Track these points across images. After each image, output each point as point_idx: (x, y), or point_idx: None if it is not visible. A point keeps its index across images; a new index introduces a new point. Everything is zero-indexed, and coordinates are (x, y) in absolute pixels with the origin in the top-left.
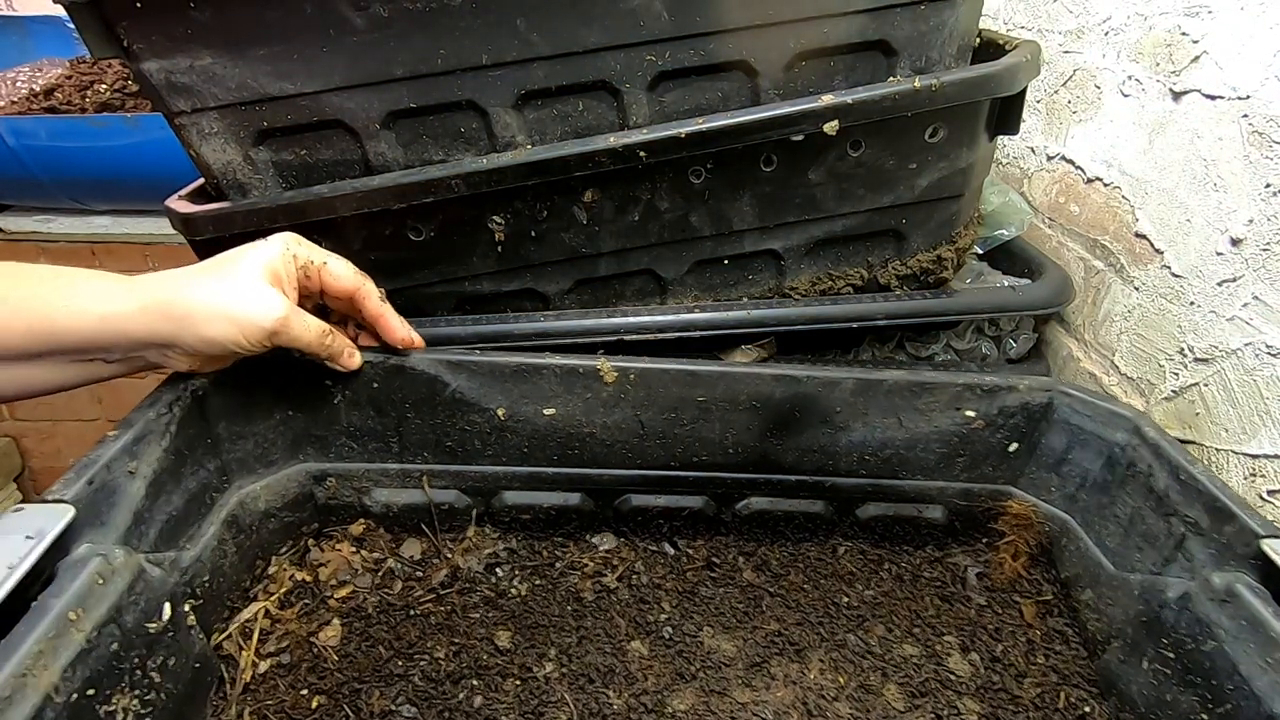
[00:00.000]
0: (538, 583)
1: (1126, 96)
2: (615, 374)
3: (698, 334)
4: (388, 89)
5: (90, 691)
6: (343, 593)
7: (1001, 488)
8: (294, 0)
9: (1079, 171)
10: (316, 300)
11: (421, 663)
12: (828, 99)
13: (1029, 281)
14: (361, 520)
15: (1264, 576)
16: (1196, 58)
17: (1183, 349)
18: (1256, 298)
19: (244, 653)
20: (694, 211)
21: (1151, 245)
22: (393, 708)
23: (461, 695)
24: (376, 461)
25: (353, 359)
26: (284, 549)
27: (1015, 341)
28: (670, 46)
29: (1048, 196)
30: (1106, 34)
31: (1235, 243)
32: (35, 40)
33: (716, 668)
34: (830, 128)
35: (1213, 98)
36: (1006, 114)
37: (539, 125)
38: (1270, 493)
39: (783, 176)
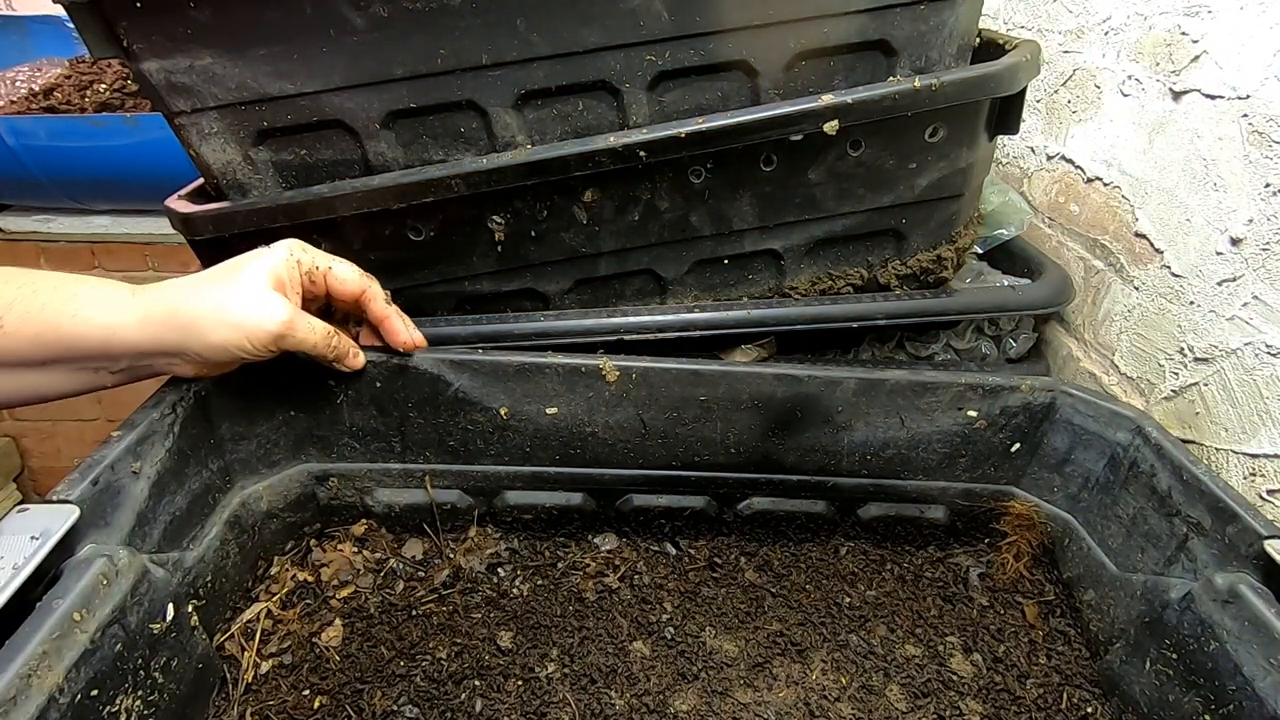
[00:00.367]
0: (540, 583)
1: (1126, 96)
2: (617, 373)
3: (698, 334)
4: (388, 89)
5: (94, 692)
6: (345, 593)
7: (1004, 488)
8: (294, 0)
9: (1079, 171)
10: (322, 304)
11: (423, 663)
12: (828, 99)
13: (1029, 281)
14: (363, 520)
15: (1266, 577)
16: (1196, 57)
17: (1183, 349)
18: (1256, 297)
19: (246, 653)
20: (694, 211)
21: (1151, 245)
22: (395, 708)
23: (463, 696)
24: (379, 461)
25: (357, 359)
26: (286, 549)
27: (1015, 341)
28: (670, 46)
29: (1048, 196)
30: (1106, 34)
31: (1235, 242)
32: (35, 40)
33: (718, 668)
34: (830, 127)
35: (1213, 97)
36: (1006, 114)
37: (539, 125)
38: (1270, 492)
39: (783, 176)
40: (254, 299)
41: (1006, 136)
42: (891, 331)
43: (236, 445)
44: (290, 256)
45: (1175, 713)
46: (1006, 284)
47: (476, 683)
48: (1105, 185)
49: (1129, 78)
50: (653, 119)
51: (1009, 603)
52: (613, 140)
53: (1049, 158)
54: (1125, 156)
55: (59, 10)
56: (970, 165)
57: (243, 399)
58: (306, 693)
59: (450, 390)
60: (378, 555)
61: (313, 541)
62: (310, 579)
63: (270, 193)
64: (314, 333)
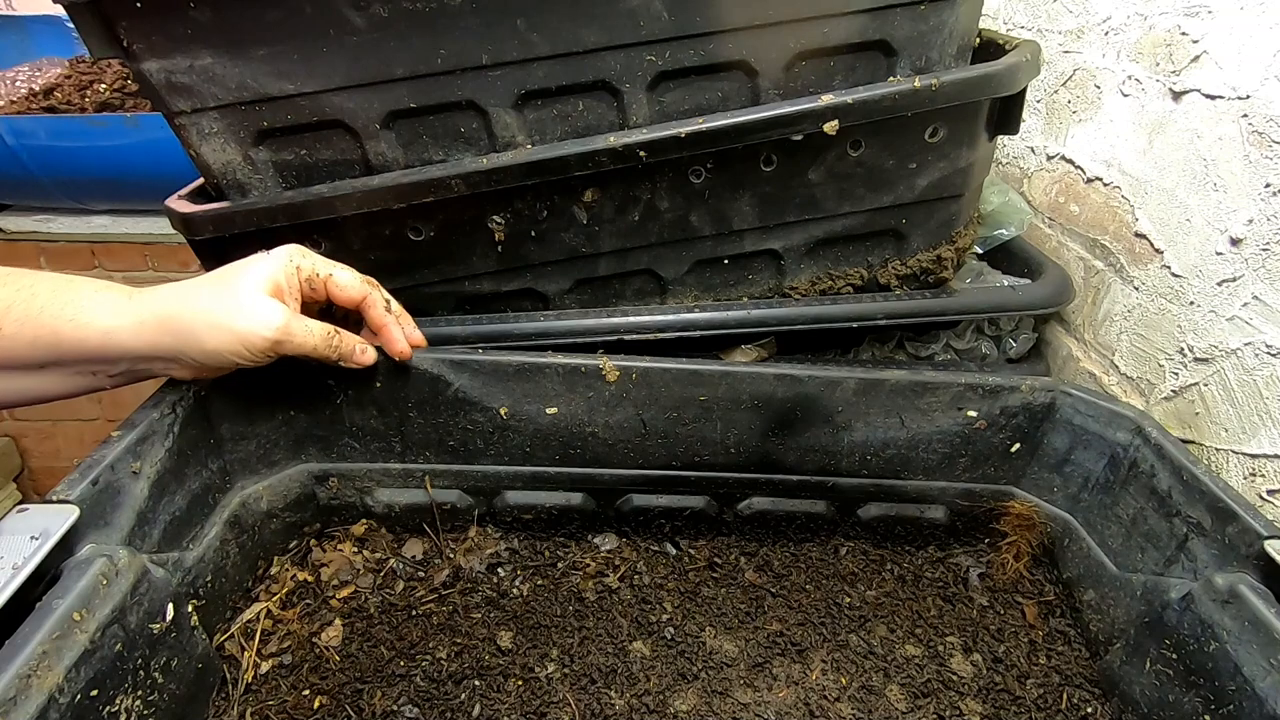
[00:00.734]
0: (540, 583)
1: (1126, 96)
2: (617, 373)
3: (698, 334)
4: (388, 89)
5: (94, 692)
6: (344, 593)
7: (1003, 488)
8: (294, 0)
9: (1079, 171)
10: (323, 307)
11: (423, 663)
12: (828, 99)
13: (1029, 281)
14: (363, 520)
15: (1266, 577)
16: (1196, 58)
17: (1182, 349)
18: (1256, 297)
19: (246, 653)
20: (694, 211)
21: (1151, 245)
22: (394, 708)
23: (463, 696)
24: (379, 461)
25: (365, 355)
26: (286, 549)
27: (1015, 341)
28: (670, 46)
29: (1048, 196)
30: (1106, 34)
31: (1235, 242)
32: (35, 40)
33: (718, 668)
34: (830, 127)
35: (1213, 98)
36: (1006, 114)
37: (539, 125)
38: (1270, 492)
39: (783, 176)
40: (250, 305)
41: (1006, 136)
42: (891, 331)
43: (236, 445)
44: (290, 262)
45: (1175, 713)
46: (1006, 284)
47: (476, 683)
48: (1105, 185)
49: (1129, 78)
50: (653, 119)
51: (1009, 603)
52: (613, 140)
53: (1049, 158)
54: (1125, 156)
55: (59, 10)
56: (970, 165)
57: (242, 399)
58: (306, 693)
59: (450, 390)
60: (378, 555)
61: (313, 541)
62: (310, 579)
63: (270, 193)
64: (312, 335)
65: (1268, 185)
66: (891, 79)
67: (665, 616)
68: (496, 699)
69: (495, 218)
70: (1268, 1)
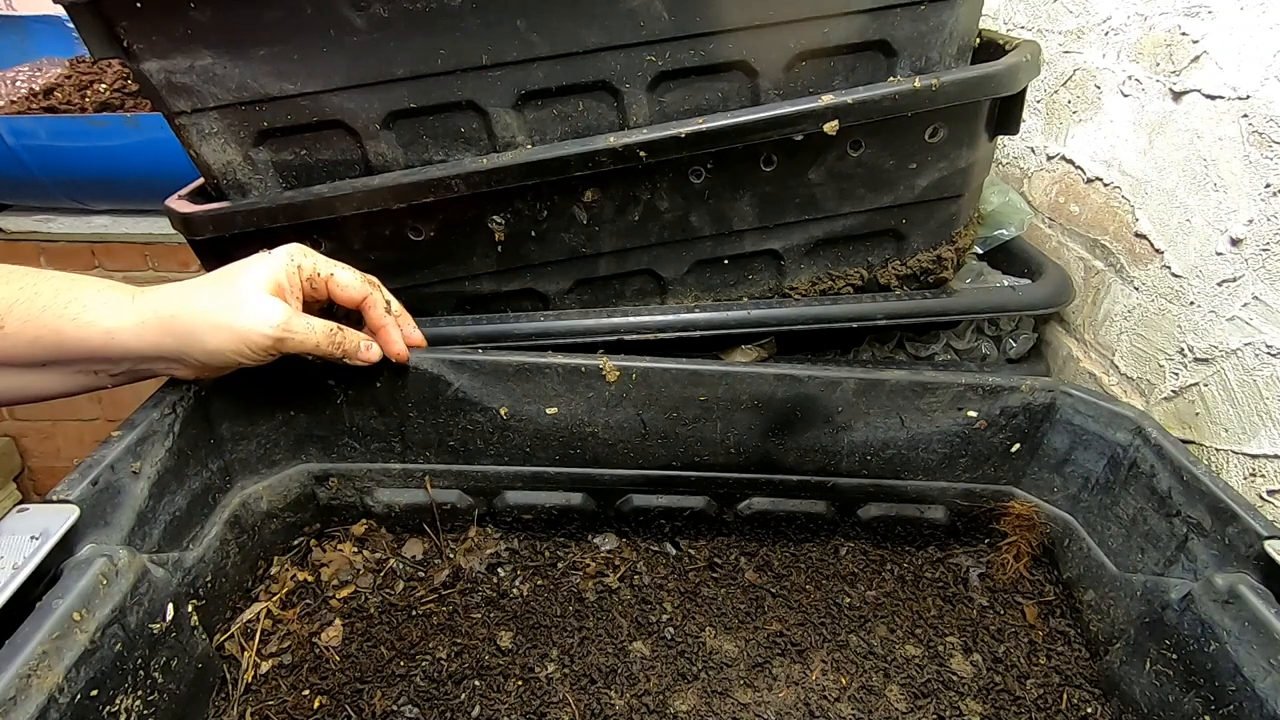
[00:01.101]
0: (539, 583)
1: (1126, 96)
2: (617, 373)
3: (698, 334)
4: (388, 89)
5: (94, 692)
6: (344, 593)
7: (1004, 488)
8: (294, 0)
9: (1079, 171)
10: (324, 306)
11: (423, 663)
12: (828, 99)
13: (1029, 281)
14: (363, 520)
15: (1266, 577)
16: (1196, 58)
17: (1183, 349)
18: (1256, 298)
19: (246, 653)
20: (694, 211)
21: (1151, 245)
22: (394, 708)
23: (463, 696)
24: (379, 461)
25: (370, 351)
26: (286, 549)
27: (1015, 341)
28: (670, 47)
29: (1048, 196)
30: (1106, 34)
31: (1235, 243)
32: (35, 40)
33: (718, 668)
34: (830, 128)
35: (1213, 98)
36: (1006, 114)
37: (539, 125)
38: (1270, 493)
39: (783, 176)
40: (251, 304)
41: (1006, 137)
42: (891, 331)
43: (236, 445)
44: (290, 261)
45: (1175, 713)
46: (1006, 284)
47: (476, 683)
48: (1105, 185)
49: (1129, 78)
50: (653, 119)
51: (1009, 603)
52: (613, 140)
53: (1049, 158)
54: (1125, 157)
55: (59, 10)
56: (970, 165)
57: (243, 399)
58: (306, 693)
59: (450, 390)
60: (378, 555)
61: (313, 541)
62: (310, 579)
63: (270, 193)
64: (314, 333)
65: (1268, 185)
66: (891, 79)
67: (665, 616)
68: (496, 699)
69: (495, 218)
70: (1268, 1)
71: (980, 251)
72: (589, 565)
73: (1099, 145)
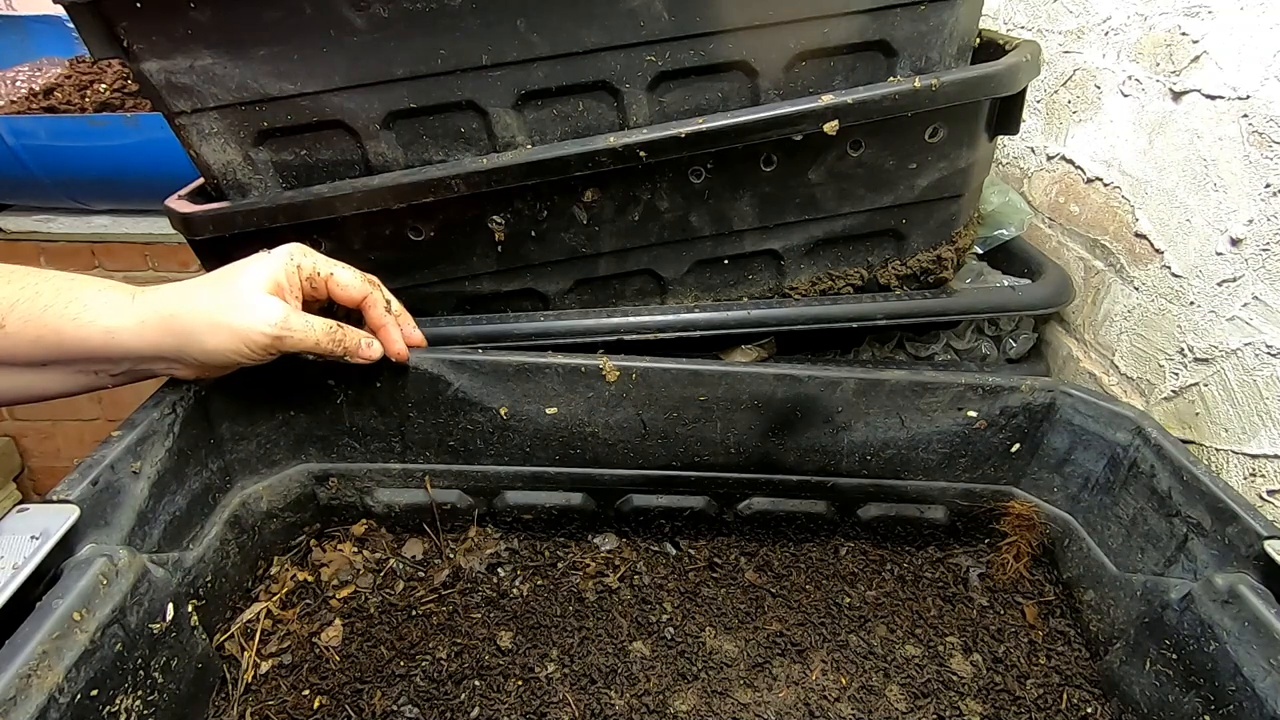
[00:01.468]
0: (539, 583)
1: (1126, 96)
2: (617, 373)
3: (698, 334)
4: (388, 89)
5: (94, 692)
6: (344, 593)
7: (1003, 488)
8: (294, 1)
9: (1079, 171)
10: (324, 306)
11: (423, 663)
12: (828, 99)
13: (1029, 281)
14: (363, 520)
15: (1266, 577)
16: (1196, 58)
17: (1183, 349)
18: (1256, 298)
19: (246, 653)
20: (694, 211)
21: (1151, 245)
22: (394, 708)
23: (463, 696)
24: (379, 461)
25: (371, 349)
26: (286, 549)
27: (1015, 341)
28: (670, 47)
29: (1048, 196)
30: (1106, 34)
31: (1235, 243)
32: (35, 40)
33: (718, 668)
34: (830, 128)
35: (1213, 98)
36: (1006, 114)
37: (539, 125)
38: (1270, 493)
39: (783, 176)
40: (250, 303)
41: (1006, 137)
42: (891, 332)
43: (236, 445)
44: (290, 261)
45: (1175, 713)
46: (1006, 284)
47: (476, 683)
48: (1105, 185)
49: (1129, 78)
50: (653, 119)
51: (1009, 603)
52: (613, 140)
53: (1049, 158)
54: (1125, 157)
55: (59, 10)
56: (970, 165)
57: (243, 399)
58: (306, 693)
59: (450, 390)
60: (378, 555)
61: (313, 541)
62: (310, 579)
63: (270, 193)
64: (314, 331)
65: (1268, 185)
66: (891, 79)
67: (665, 616)
68: (496, 699)
69: (495, 218)
70: (1268, 1)
71: (980, 251)
72: (589, 565)
73: (1099, 145)
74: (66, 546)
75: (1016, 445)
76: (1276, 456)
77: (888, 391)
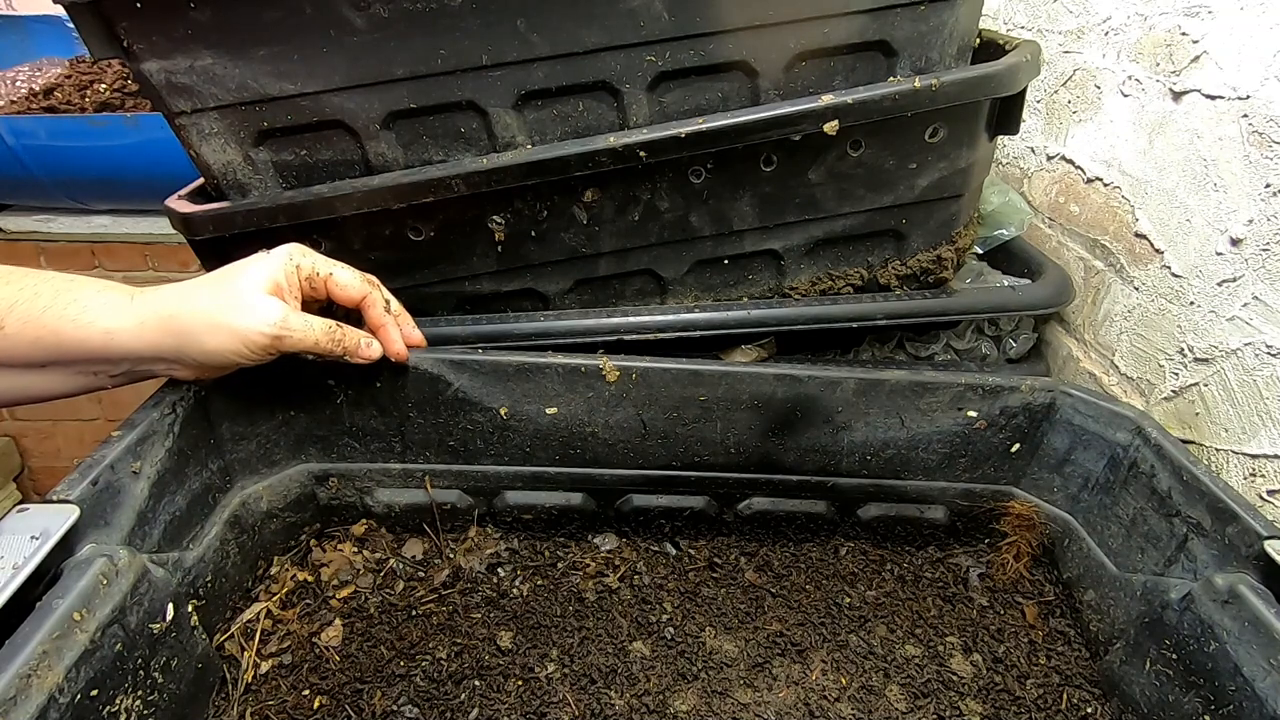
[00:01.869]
0: (539, 583)
1: (1126, 96)
2: (618, 373)
3: (698, 334)
4: (388, 89)
5: (94, 692)
6: (344, 593)
7: (1003, 488)
8: (294, 1)
9: (1079, 171)
10: (324, 305)
11: (423, 663)
12: (828, 99)
13: (1029, 281)
14: (363, 520)
15: (1266, 577)
16: (1196, 58)
17: (1183, 349)
18: (1256, 298)
19: (246, 653)
20: (694, 211)
21: (1151, 245)
22: (394, 708)
23: (463, 696)
24: (379, 461)
25: (371, 349)
26: (286, 549)
27: (1015, 341)
28: (670, 47)
29: (1048, 196)
30: (1106, 34)
31: (1235, 243)
32: (35, 40)
33: (718, 668)
34: (830, 128)
35: (1213, 98)
36: (1006, 114)
37: (539, 125)
38: (1270, 493)
39: (783, 176)
40: (249, 303)
41: (1006, 137)
42: (891, 331)
43: (236, 445)
44: (289, 261)
45: (1175, 713)
46: (1006, 284)
47: (476, 683)
48: (1105, 185)
49: (1129, 78)
50: (653, 119)
51: (1009, 603)
52: (613, 140)
53: (1049, 158)
54: (1125, 157)
55: (59, 10)
56: (970, 165)
57: (243, 399)
58: (306, 693)
59: (450, 390)
60: (378, 555)
61: (313, 541)
62: (310, 579)
63: (270, 193)
64: (312, 329)
65: (1268, 185)
66: (891, 79)
67: (665, 616)
68: (496, 699)
69: (495, 218)
70: (1268, 1)
71: (980, 251)
72: (589, 565)
73: (1099, 145)
74: (66, 546)
75: (1016, 445)
76: (1276, 456)
77: (888, 391)
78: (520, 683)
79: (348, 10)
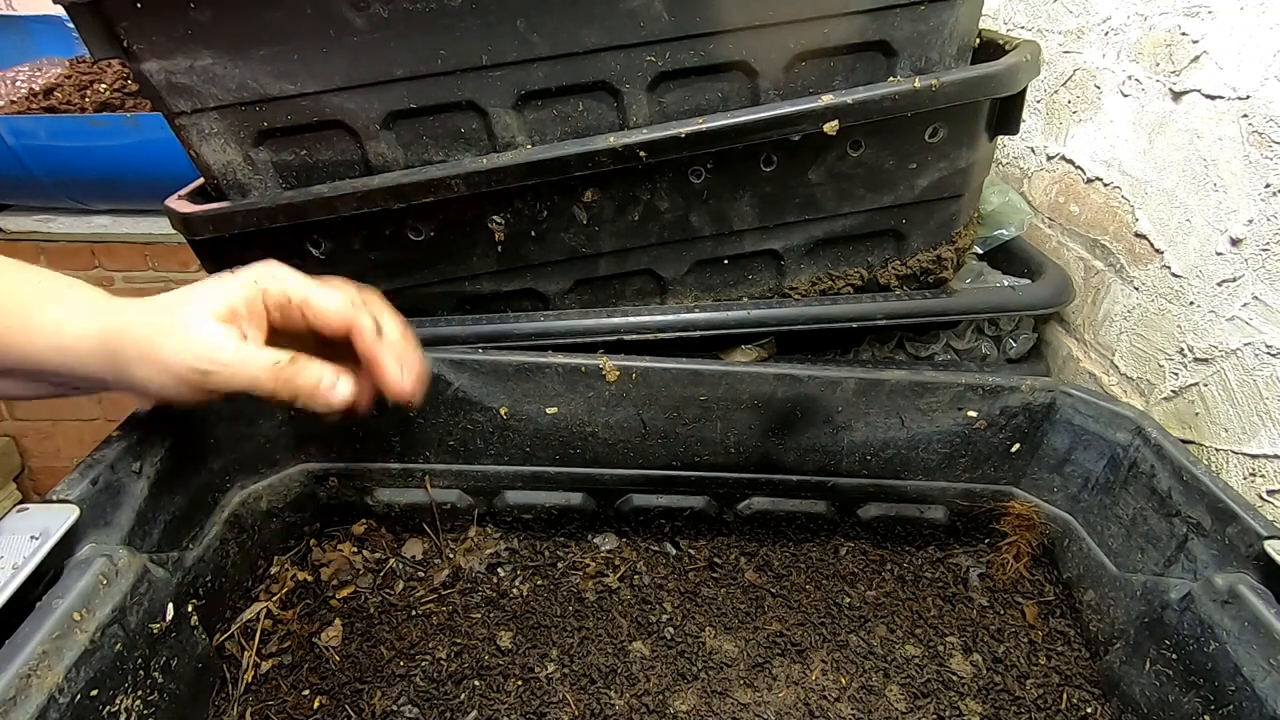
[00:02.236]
0: (539, 583)
1: (1126, 96)
2: (618, 373)
3: (698, 334)
4: (388, 89)
5: (94, 692)
6: (344, 593)
7: (1003, 488)
8: (294, 1)
9: (1079, 171)
10: (305, 336)
11: (423, 663)
12: (828, 99)
13: (1029, 281)
14: (363, 520)
15: (1266, 577)
16: (1196, 58)
17: (1182, 349)
18: (1256, 298)
19: (246, 653)
20: (694, 211)
21: (1151, 245)
22: (394, 708)
23: (463, 696)
24: (378, 461)
25: (335, 391)
26: (286, 549)
27: (1015, 341)
28: (670, 47)
29: (1048, 196)
30: (1106, 34)
31: (1235, 243)
32: (35, 40)
33: (718, 668)
34: (830, 128)
35: (1213, 98)
36: (1006, 114)
37: (539, 125)
38: (1270, 493)
39: (783, 176)
40: (185, 329)
41: (1006, 137)
42: (891, 331)
43: (236, 445)
44: (254, 285)
45: (1175, 713)
46: (1006, 284)
47: (476, 683)
48: (1105, 185)
49: (1129, 78)
50: (653, 119)
51: (1009, 603)
52: (613, 140)
53: (1049, 158)
54: (1125, 157)
55: (59, 10)
56: (970, 165)
57: (243, 398)
58: (306, 692)
59: (450, 390)
60: (377, 555)
61: (313, 541)
62: (310, 579)
63: (270, 193)
64: (249, 364)
65: (1268, 185)
66: (891, 79)
67: (665, 616)
68: (496, 699)
69: (495, 218)
70: (1268, 1)
71: (980, 251)
72: (589, 565)
73: (1099, 145)
74: (66, 546)
75: (1016, 445)
76: (1276, 456)
77: (888, 391)
78: (520, 683)
79: (348, 10)
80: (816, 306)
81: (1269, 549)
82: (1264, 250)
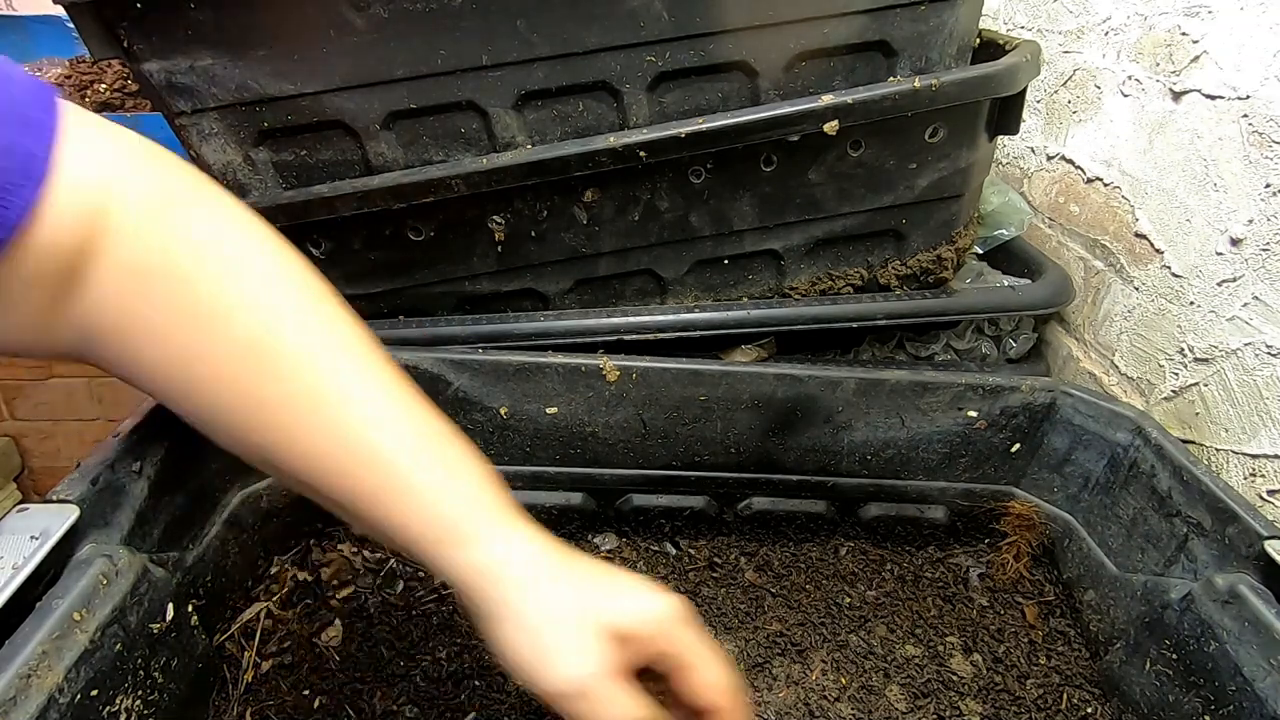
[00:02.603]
0: None
1: (1126, 96)
2: (618, 373)
3: (698, 334)
4: (388, 89)
5: (94, 692)
6: (344, 593)
7: (1004, 488)
8: (294, 1)
9: (1079, 171)
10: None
11: (423, 663)
12: (828, 99)
13: (1029, 281)
14: None
15: (1266, 577)
16: (1196, 58)
17: (1183, 349)
18: (1256, 298)
19: (246, 653)
20: (694, 211)
21: (1151, 245)
22: (395, 708)
23: (463, 696)
24: None
25: None
26: (286, 549)
27: (1015, 341)
28: (670, 47)
29: (1048, 196)
30: (1106, 34)
31: (1235, 243)
32: (35, 40)
33: None
34: (830, 128)
35: (1213, 98)
36: (1006, 114)
37: (539, 125)
38: (1270, 493)
39: (783, 176)
40: (564, 637)
41: (1006, 137)
42: (891, 331)
43: None
44: (659, 626)
45: (1175, 713)
46: (1006, 284)
47: (476, 683)
48: (1105, 185)
49: (1129, 78)
50: (653, 119)
51: (1009, 603)
52: (613, 140)
53: (1049, 158)
54: (1125, 156)
55: (59, 10)
56: (970, 165)
57: None
58: (306, 692)
59: (450, 390)
60: (378, 555)
61: (313, 541)
62: (310, 579)
63: (270, 193)
64: (617, 709)
65: (1268, 185)
66: (891, 79)
67: None
68: (496, 699)
69: (495, 218)
70: (1268, 1)
71: (980, 251)
72: None
73: (1099, 145)
74: (67, 547)
75: (1016, 445)
76: (1276, 456)
77: (888, 391)
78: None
79: (348, 10)
80: (816, 306)
81: (1269, 549)
82: (1264, 250)
